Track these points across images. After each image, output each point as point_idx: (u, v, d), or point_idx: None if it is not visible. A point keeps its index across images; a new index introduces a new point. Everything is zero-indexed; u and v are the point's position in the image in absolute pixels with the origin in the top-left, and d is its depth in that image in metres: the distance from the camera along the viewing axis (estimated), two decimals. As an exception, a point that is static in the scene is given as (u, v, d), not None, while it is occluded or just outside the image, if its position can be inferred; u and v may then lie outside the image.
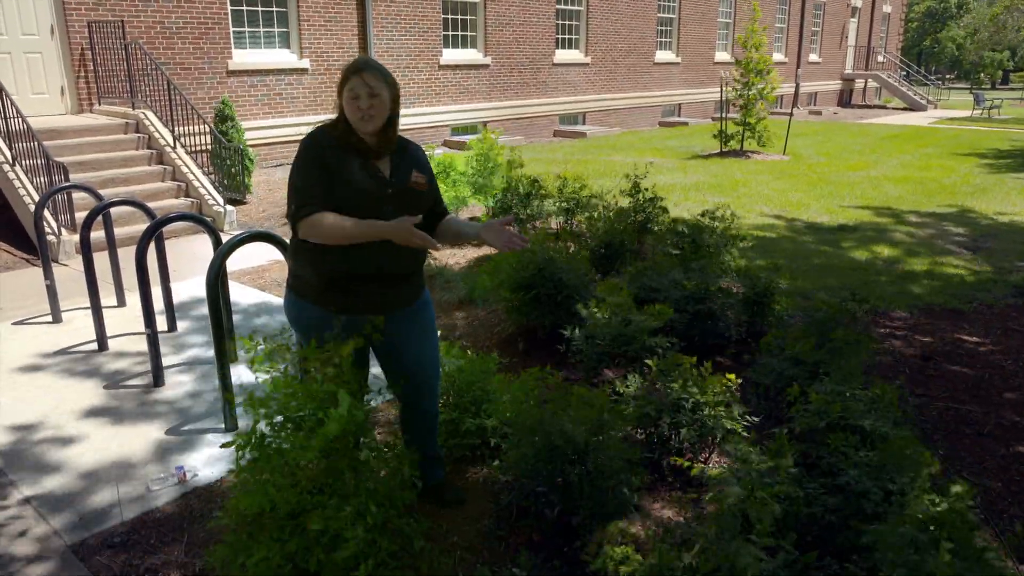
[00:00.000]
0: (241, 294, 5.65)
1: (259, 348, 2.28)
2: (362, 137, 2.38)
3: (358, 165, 2.36)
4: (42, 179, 7.02)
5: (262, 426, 2.25)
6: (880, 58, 30.28)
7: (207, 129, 8.55)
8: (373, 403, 2.50)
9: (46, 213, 6.69)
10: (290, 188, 2.37)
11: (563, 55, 16.22)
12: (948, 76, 56.02)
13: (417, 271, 2.57)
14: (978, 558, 1.90)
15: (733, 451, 2.71)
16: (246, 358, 4.45)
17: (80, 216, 6.94)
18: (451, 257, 6.46)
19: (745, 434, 3.01)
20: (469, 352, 3.56)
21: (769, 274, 4.44)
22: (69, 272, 6.24)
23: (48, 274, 5.01)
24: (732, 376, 3.15)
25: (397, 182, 2.42)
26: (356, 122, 2.34)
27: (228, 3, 10.26)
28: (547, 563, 2.59)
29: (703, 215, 5.31)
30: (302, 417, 2.26)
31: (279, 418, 2.25)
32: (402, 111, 2.50)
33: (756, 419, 3.56)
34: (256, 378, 2.27)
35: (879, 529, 2.08)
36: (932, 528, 2.01)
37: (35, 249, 6.77)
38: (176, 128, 8.43)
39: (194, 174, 8.16)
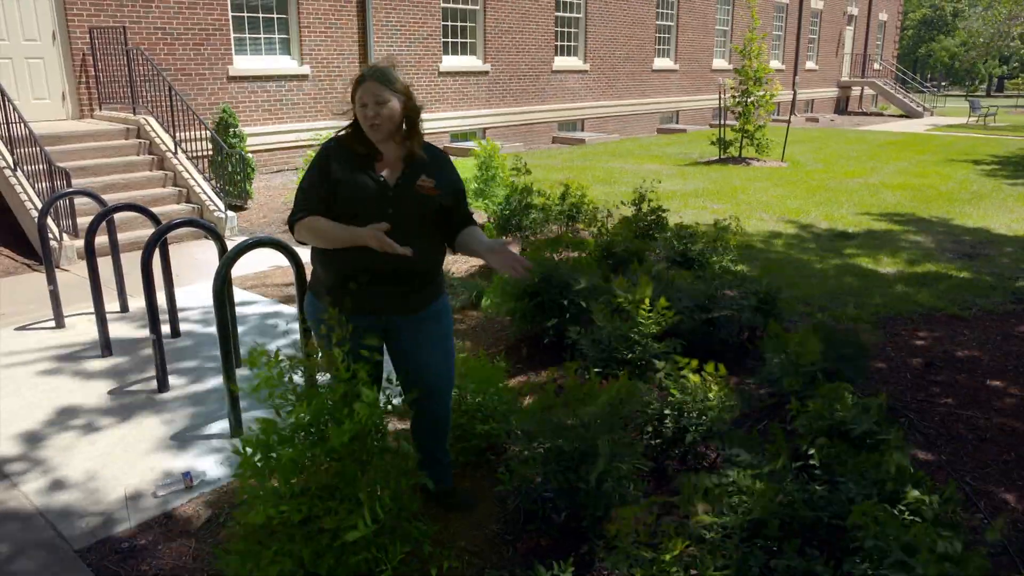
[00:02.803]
0: (244, 299, 5.66)
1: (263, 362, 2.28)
2: (374, 143, 2.45)
3: (360, 171, 2.44)
4: (44, 184, 7.03)
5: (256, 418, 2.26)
6: (876, 65, 30.45)
7: (208, 135, 8.57)
8: (392, 403, 2.52)
9: (48, 219, 6.69)
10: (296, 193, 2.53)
11: (562, 62, 16.28)
12: (943, 83, 56.30)
13: (429, 276, 2.58)
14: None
15: (734, 456, 2.73)
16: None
17: (82, 221, 6.95)
18: (454, 264, 6.48)
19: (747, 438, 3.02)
20: (481, 355, 3.57)
21: (771, 281, 4.47)
22: (71, 277, 6.24)
23: (51, 279, 5.01)
24: (724, 371, 3.17)
25: (401, 186, 2.45)
26: (367, 130, 2.42)
27: (229, 9, 10.30)
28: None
29: (714, 224, 5.35)
30: (312, 424, 2.28)
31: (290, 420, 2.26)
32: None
33: (759, 425, 3.58)
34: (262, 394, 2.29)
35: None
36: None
37: (37, 254, 6.77)
38: (177, 134, 8.44)
39: (195, 180, 8.18)
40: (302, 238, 2.49)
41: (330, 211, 2.45)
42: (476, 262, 6.47)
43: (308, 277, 2.87)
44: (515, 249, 6.57)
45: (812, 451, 2.75)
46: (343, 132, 2.51)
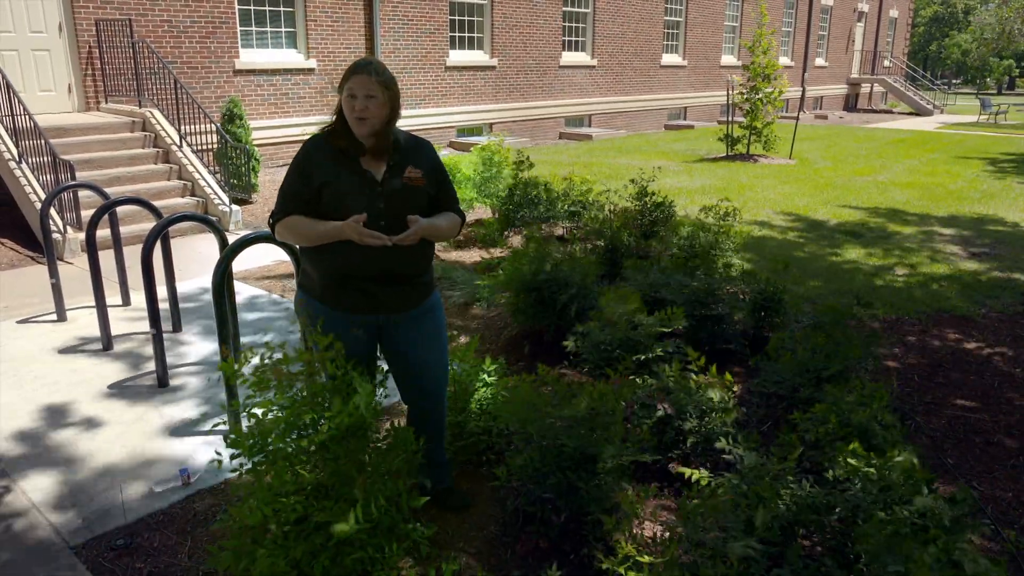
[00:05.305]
0: (246, 294, 5.64)
1: (251, 363, 2.26)
2: (357, 138, 2.40)
3: (346, 168, 2.40)
4: (48, 177, 7.01)
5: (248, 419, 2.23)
6: (886, 62, 30.22)
7: (213, 128, 8.55)
8: (384, 401, 2.50)
9: (52, 211, 6.69)
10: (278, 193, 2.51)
11: (569, 57, 16.20)
12: (954, 81, 55.91)
13: (421, 273, 2.54)
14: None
15: (738, 456, 2.69)
16: (248, 368, 4.44)
17: (86, 214, 6.93)
18: (457, 259, 6.44)
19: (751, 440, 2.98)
20: (488, 360, 3.53)
21: (775, 278, 4.41)
22: (74, 270, 6.23)
23: (53, 272, 5.00)
24: (730, 378, 3.13)
25: (388, 180, 2.41)
26: (352, 122, 2.37)
27: (236, 2, 10.26)
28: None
29: (703, 210, 5.30)
30: (306, 423, 2.25)
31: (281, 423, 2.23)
32: (408, 112, 2.51)
33: (763, 427, 3.53)
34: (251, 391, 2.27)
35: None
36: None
37: (40, 247, 6.77)
38: (182, 127, 8.42)
39: (200, 173, 8.16)
40: (283, 237, 2.49)
41: (315, 210, 2.41)
42: (477, 257, 6.43)
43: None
44: (518, 243, 6.52)
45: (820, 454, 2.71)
46: (327, 128, 2.46)
